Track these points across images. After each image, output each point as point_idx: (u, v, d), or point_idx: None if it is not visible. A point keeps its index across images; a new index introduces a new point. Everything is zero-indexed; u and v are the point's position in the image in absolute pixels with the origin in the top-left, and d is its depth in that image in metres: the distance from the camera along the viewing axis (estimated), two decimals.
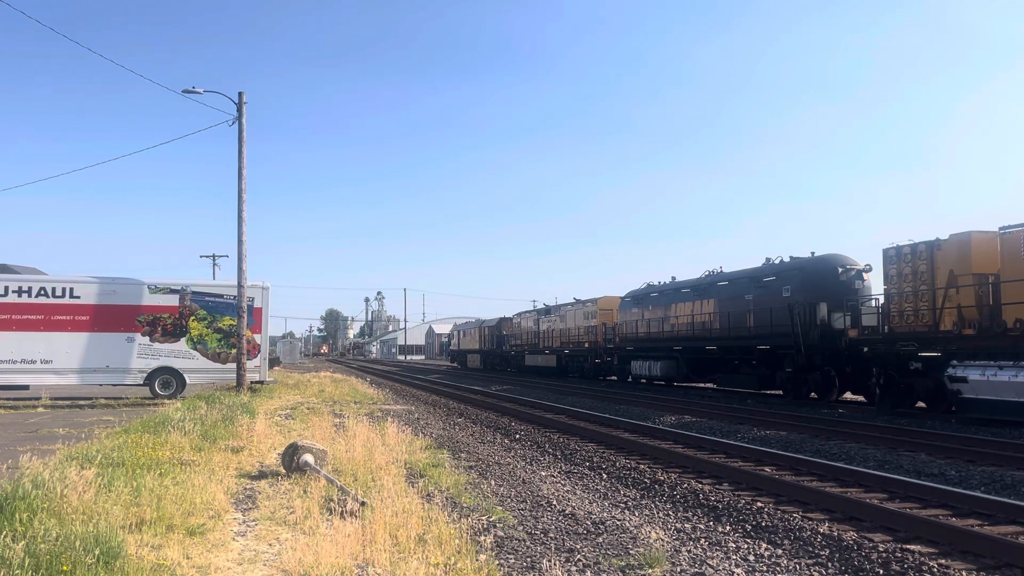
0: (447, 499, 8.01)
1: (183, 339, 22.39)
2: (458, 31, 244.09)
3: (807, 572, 5.98)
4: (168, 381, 22.05)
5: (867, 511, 7.78)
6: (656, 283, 33.33)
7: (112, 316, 21.68)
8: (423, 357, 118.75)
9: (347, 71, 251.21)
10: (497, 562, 5.81)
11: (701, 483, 9.84)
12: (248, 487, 8.67)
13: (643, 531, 6.98)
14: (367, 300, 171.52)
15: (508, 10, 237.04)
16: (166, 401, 19.96)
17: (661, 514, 8.08)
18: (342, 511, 6.98)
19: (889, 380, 18.24)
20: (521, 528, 7.08)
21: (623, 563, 5.93)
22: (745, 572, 5.93)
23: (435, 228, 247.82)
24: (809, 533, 6.98)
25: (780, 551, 6.54)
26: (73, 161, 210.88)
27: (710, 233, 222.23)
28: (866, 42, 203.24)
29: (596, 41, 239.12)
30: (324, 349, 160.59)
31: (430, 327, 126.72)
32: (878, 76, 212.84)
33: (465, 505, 7.89)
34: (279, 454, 10.09)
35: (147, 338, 22.00)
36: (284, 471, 9.31)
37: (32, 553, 4.66)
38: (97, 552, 4.78)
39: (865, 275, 22.08)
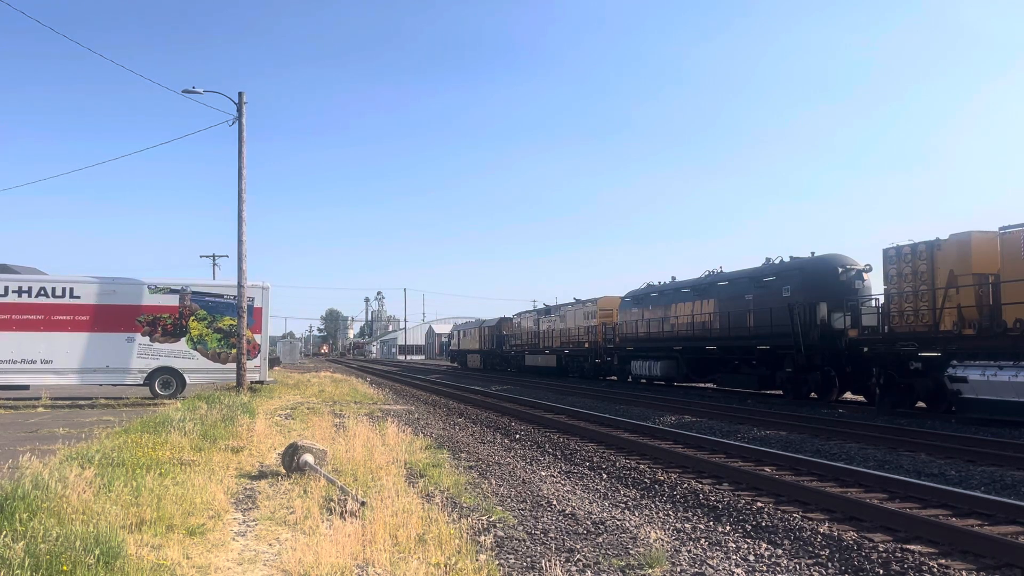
0: (447, 499, 8.01)
1: (183, 339, 22.40)
2: (458, 31, 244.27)
3: (807, 572, 5.98)
4: (168, 381, 22.05)
5: (867, 511, 7.79)
6: (656, 283, 33.35)
7: (112, 316, 21.69)
8: (423, 357, 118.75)
9: (347, 71, 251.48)
10: (497, 562, 5.81)
11: (701, 483, 9.84)
12: (248, 487, 8.67)
13: (643, 531, 6.99)
14: (367, 300, 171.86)
15: (508, 10, 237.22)
16: (166, 401, 19.97)
17: (661, 514, 8.08)
18: (342, 511, 6.98)
19: (889, 380, 18.24)
20: (521, 528, 7.08)
21: (623, 563, 5.93)
22: (745, 572, 5.93)
23: (435, 228, 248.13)
24: (809, 533, 6.98)
25: (780, 551, 6.54)
26: (73, 161, 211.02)
27: (710, 233, 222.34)
28: (866, 42, 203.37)
29: (596, 41, 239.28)
30: (324, 349, 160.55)
31: (430, 327, 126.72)
32: (878, 76, 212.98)
33: (465, 505, 7.89)
34: (279, 454, 10.09)
35: (147, 338, 22.00)
36: (284, 471, 9.31)
37: (32, 553, 4.66)
38: (97, 552, 4.78)
39: (865, 275, 22.09)
